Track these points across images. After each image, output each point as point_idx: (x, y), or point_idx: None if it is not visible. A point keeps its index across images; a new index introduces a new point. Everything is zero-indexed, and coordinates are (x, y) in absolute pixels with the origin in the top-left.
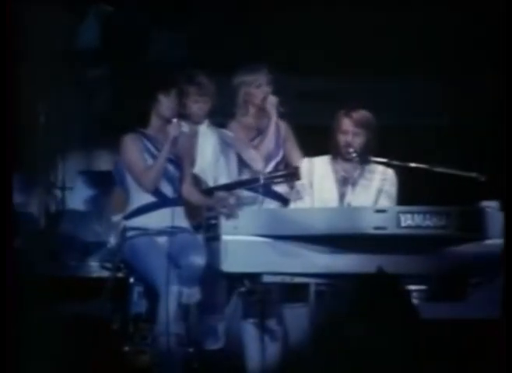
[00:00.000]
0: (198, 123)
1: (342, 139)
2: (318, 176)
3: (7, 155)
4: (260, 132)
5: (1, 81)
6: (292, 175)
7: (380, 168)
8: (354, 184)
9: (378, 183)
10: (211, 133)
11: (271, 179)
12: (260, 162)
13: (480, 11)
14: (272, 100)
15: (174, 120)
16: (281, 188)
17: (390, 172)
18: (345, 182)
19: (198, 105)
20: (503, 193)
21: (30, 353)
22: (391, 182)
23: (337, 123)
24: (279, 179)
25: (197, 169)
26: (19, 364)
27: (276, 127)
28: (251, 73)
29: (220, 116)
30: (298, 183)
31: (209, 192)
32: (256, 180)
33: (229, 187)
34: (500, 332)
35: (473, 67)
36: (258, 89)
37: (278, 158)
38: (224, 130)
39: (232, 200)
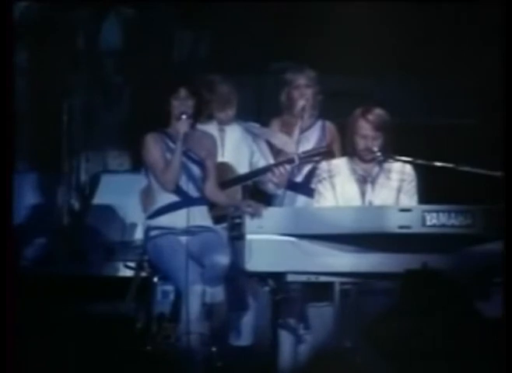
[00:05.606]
0: (225, 124)
1: (362, 143)
2: (338, 177)
3: (7, 155)
4: (300, 132)
5: (1, 82)
6: (326, 152)
7: (398, 165)
8: (373, 183)
9: (397, 180)
10: (236, 128)
11: (306, 158)
12: (292, 145)
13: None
14: (300, 103)
15: (183, 117)
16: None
17: (407, 169)
18: (364, 181)
19: (223, 113)
20: None
21: (52, 351)
22: (410, 178)
23: (354, 125)
24: (314, 158)
25: (232, 163)
26: (41, 362)
27: (322, 128)
28: (293, 73)
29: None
30: (320, 186)
31: (249, 176)
32: (291, 161)
33: (267, 170)
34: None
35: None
36: (297, 91)
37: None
38: (249, 123)
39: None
